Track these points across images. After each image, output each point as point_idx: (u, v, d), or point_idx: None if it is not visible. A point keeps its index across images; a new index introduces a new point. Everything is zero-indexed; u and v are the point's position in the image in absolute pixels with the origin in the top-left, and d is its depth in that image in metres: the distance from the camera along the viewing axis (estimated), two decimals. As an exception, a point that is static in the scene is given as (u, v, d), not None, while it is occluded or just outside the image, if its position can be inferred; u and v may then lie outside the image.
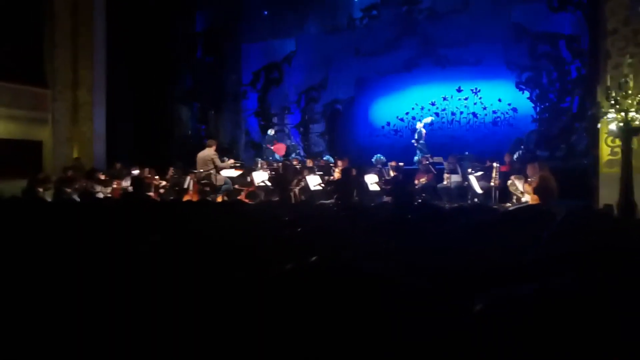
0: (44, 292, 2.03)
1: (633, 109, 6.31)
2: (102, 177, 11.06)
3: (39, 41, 12.84)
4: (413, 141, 13.72)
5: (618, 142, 6.98)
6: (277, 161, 13.52)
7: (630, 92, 6.32)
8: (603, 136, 8.31)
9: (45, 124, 12.88)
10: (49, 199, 9.75)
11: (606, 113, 6.74)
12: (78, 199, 9.21)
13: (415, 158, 13.29)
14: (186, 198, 10.37)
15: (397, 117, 14.85)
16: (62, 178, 10.67)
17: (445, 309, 1.09)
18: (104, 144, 13.48)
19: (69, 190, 10.05)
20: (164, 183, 11.69)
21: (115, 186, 10.89)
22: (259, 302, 1.82)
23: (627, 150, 6.50)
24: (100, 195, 10.14)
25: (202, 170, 10.25)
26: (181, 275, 2.20)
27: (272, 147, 14.73)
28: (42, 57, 12.92)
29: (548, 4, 11.26)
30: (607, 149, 8.24)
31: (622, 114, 6.30)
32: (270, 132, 15.20)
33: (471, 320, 1.03)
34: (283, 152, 14.72)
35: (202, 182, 10.33)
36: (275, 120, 16.33)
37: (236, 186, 11.40)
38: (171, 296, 2.04)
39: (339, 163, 11.66)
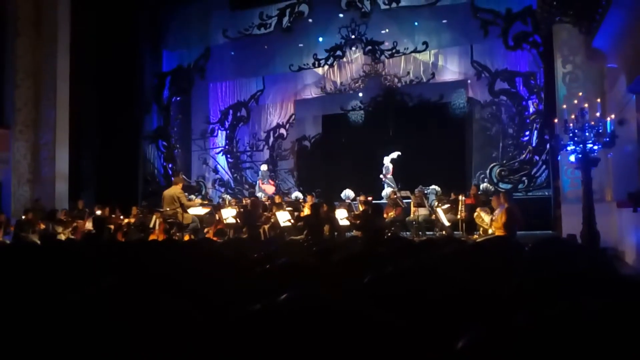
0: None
1: (590, 141, 6.53)
2: (63, 217, 10.69)
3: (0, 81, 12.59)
4: (381, 176, 13.89)
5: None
6: (247, 197, 13.39)
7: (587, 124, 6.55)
8: (564, 168, 8.58)
9: (4, 165, 12.47)
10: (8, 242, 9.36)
11: (565, 145, 6.95)
12: (39, 242, 8.88)
13: (384, 193, 13.43)
14: (152, 237, 10.08)
15: (364, 153, 15.00)
16: (20, 221, 10.27)
17: (427, 347, 1.04)
18: (66, 183, 13.12)
19: (26, 233, 9.67)
20: (127, 221, 11.37)
21: (77, 226, 10.54)
22: (221, 347, 1.72)
23: (587, 181, 6.68)
24: (62, 237, 9.77)
25: (168, 209, 9.97)
26: (143, 319, 2.08)
27: (263, 186, 14.57)
28: (2, 96, 12.63)
29: (504, 43, 11.76)
30: (568, 181, 8.49)
31: (581, 145, 6.51)
32: (264, 167, 15.08)
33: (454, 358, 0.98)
34: (272, 192, 14.41)
35: (169, 220, 10.04)
36: (244, 157, 16.35)
37: (205, 228, 11.17)
38: (133, 342, 1.92)
39: (309, 199, 11.61)
